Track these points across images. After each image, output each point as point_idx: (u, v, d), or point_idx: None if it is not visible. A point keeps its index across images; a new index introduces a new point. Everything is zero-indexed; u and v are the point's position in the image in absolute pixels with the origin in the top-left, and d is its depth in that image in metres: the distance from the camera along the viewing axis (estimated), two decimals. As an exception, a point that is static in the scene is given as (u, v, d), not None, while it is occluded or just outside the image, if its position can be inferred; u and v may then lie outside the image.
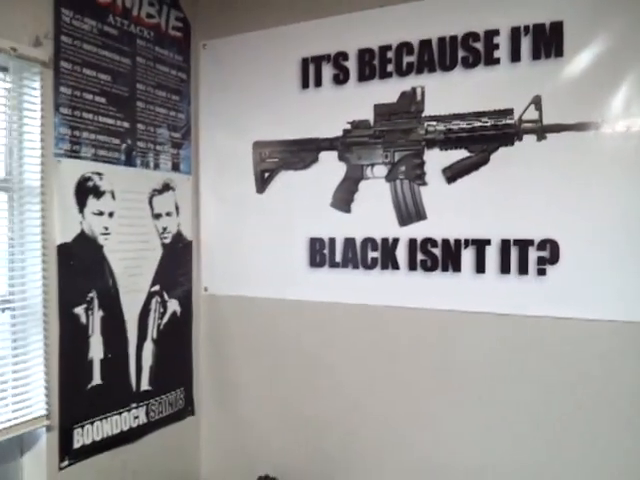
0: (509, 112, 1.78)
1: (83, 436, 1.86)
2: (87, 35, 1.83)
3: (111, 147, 1.93)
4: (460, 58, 1.85)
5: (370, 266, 2.01)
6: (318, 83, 2.07)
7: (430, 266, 1.92)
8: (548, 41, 1.74)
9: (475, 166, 1.84)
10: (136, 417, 2.07)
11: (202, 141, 2.32)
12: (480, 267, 1.85)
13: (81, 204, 1.84)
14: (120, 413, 2.00)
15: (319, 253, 2.09)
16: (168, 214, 2.19)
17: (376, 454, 2.05)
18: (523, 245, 1.79)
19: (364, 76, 1.99)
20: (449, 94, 1.87)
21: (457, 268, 1.88)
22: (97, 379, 1.91)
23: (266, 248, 2.20)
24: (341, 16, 2.01)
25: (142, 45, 2.04)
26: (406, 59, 1.92)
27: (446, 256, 1.89)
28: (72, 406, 1.82)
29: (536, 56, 1.76)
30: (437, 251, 1.90)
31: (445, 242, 1.89)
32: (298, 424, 2.18)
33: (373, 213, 2.00)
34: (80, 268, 1.83)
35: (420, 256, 1.93)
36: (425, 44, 1.89)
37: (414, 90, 1.92)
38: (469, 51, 1.84)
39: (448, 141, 1.87)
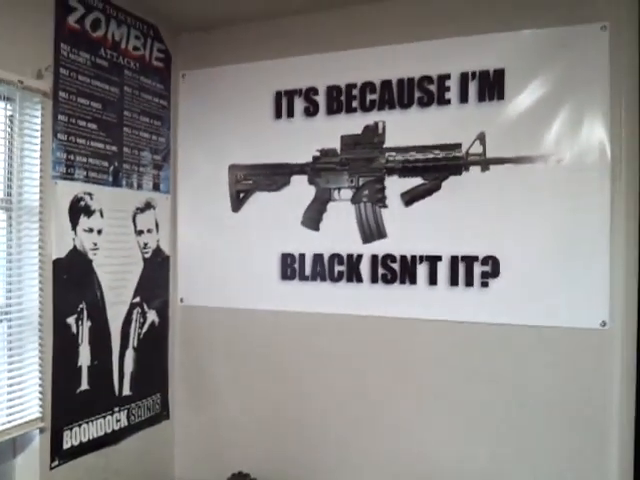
0: (458, 146, 2.04)
1: (72, 438, 1.99)
2: (82, 67, 1.99)
3: (100, 169, 2.09)
4: (416, 98, 2.10)
5: (337, 279, 2.22)
6: (290, 114, 2.28)
7: (390, 279, 2.15)
8: (492, 85, 2.00)
9: (429, 192, 2.09)
10: (118, 420, 2.21)
11: (180, 163, 2.49)
12: (433, 280, 2.08)
13: (74, 222, 1.98)
14: (104, 416, 2.14)
15: (290, 267, 2.29)
16: (149, 231, 2.35)
17: (342, 453, 2.23)
18: (469, 261, 2.03)
19: (332, 110, 2.22)
20: (407, 129, 2.11)
21: (413, 281, 2.11)
22: (85, 384, 2.04)
23: (240, 262, 2.37)
24: (312, 55, 2.23)
25: (129, 75, 2.21)
26: (369, 96, 2.16)
27: (404, 270, 2.12)
28: (63, 410, 1.95)
29: (481, 98, 2.02)
30: (396, 266, 2.14)
31: (403, 258, 2.12)
32: (269, 426, 2.34)
33: (339, 231, 2.21)
34: (72, 281, 1.98)
35: (381, 270, 2.15)
36: (386, 84, 2.14)
37: (376, 124, 2.15)
38: (424, 92, 2.09)
39: (405, 170, 2.11)
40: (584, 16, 1.90)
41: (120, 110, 2.17)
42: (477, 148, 2.02)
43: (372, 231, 2.17)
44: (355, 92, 2.19)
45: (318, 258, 2.25)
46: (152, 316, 2.39)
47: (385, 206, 2.15)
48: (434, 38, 2.07)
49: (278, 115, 2.30)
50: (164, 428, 2.47)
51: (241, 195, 2.37)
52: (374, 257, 2.17)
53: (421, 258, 2.11)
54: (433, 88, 2.08)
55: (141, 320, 2.32)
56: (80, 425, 2.03)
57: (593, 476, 1.90)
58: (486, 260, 2.02)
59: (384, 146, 2.15)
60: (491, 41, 2.01)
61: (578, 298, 1.91)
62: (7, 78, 1.70)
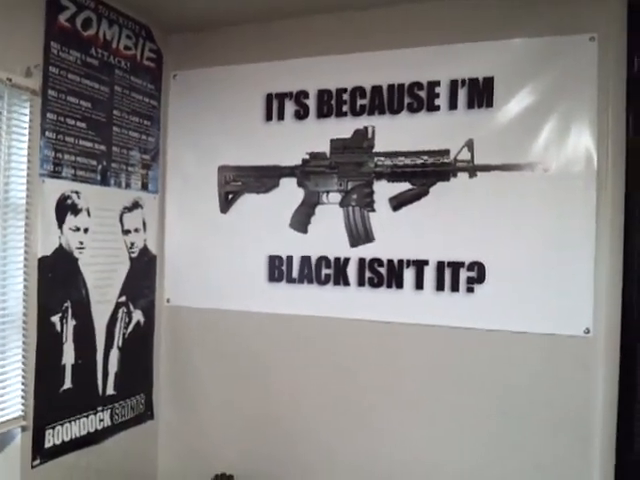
0: (446, 152, 2.05)
1: (54, 437, 1.98)
2: (72, 66, 1.98)
3: (88, 168, 2.08)
4: (406, 104, 2.11)
5: (324, 282, 2.23)
6: (281, 117, 2.29)
7: (377, 283, 2.16)
8: (481, 93, 2.02)
9: (417, 197, 2.10)
10: (101, 420, 2.20)
11: (170, 163, 2.48)
12: (419, 284, 2.09)
13: (60, 220, 1.98)
14: (87, 416, 2.13)
15: (277, 269, 2.30)
16: (136, 230, 2.34)
17: (326, 455, 2.23)
18: (455, 266, 2.05)
19: (322, 113, 2.23)
20: (396, 134, 2.12)
21: (400, 285, 2.12)
22: (68, 383, 2.03)
23: (228, 263, 2.37)
24: (304, 59, 2.23)
25: (119, 75, 2.20)
26: (359, 101, 2.17)
27: (390, 274, 2.14)
28: (45, 408, 1.94)
29: (470, 105, 2.03)
30: (383, 270, 2.15)
31: (390, 262, 2.14)
32: (253, 428, 2.34)
33: (327, 234, 2.21)
34: (57, 280, 1.97)
35: (368, 274, 2.17)
36: (376, 89, 2.15)
37: (366, 129, 2.16)
38: (414, 98, 2.11)
39: (394, 174, 2.13)
40: (573, 27, 1.93)
41: (110, 109, 2.16)
42: (465, 155, 2.03)
43: (360, 235, 2.18)
44: (345, 96, 2.20)
45: (306, 261, 2.26)
46: (138, 316, 2.38)
47: (373, 210, 2.16)
48: (425, 45, 2.08)
49: (268, 117, 2.31)
50: (148, 428, 2.47)
51: (230, 196, 2.38)
52: (361, 261, 2.18)
53: (408, 262, 2.12)
54: (423, 94, 2.10)
55: (126, 320, 2.32)
56: (63, 424, 2.02)
57: (575, 482, 1.92)
58: (472, 266, 2.03)
59: (373, 151, 2.16)
60: (481, 49, 2.02)
61: (562, 305, 1.93)
62: (-5, 75, 1.69)
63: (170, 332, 2.52)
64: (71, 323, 2.03)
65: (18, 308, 1.85)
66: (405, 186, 2.12)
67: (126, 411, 2.33)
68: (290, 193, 2.27)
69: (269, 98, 2.31)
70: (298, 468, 2.28)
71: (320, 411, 2.25)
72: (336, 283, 2.21)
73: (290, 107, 2.28)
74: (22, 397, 1.86)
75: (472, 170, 2.03)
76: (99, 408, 2.19)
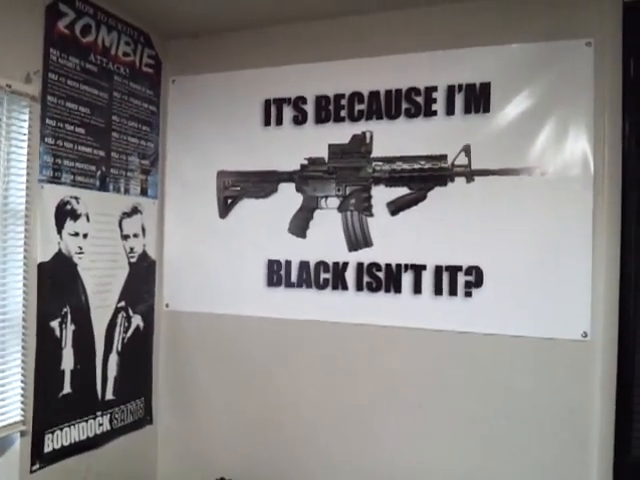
0: (443, 157, 2.06)
1: (53, 441, 1.99)
2: (71, 72, 1.99)
3: (88, 173, 2.09)
4: (404, 109, 2.12)
5: (322, 286, 2.23)
6: (279, 122, 2.30)
7: (375, 287, 2.16)
8: (478, 98, 2.02)
9: (414, 202, 2.11)
10: (101, 424, 2.20)
11: (168, 168, 2.49)
12: (417, 289, 2.10)
13: (59, 226, 1.98)
14: (87, 420, 2.13)
15: (276, 274, 2.31)
16: (135, 235, 2.35)
17: (326, 459, 2.24)
18: (453, 270, 2.06)
19: (320, 119, 2.24)
20: (394, 139, 2.13)
21: (398, 289, 2.13)
22: (67, 388, 2.03)
23: (226, 268, 2.38)
24: (302, 65, 2.25)
25: (118, 81, 2.22)
26: (357, 107, 2.18)
27: (389, 279, 2.14)
28: (44, 413, 1.94)
29: (467, 111, 2.04)
30: (381, 274, 2.15)
31: (388, 266, 2.14)
32: (253, 432, 2.34)
33: (326, 239, 2.22)
34: (57, 285, 1.97)
35: (366, 278, 2.17)
36: (374, 95, 2.16)
37: (364, 134, 2.17)
38: (411, 103, 2.12)
39: (392, 179, 2.14)
40: (569, 32, 1.94)
41: (109, 115, 2.18)
42: (462, 160, 2.04)
43: (358, 239, 2.19)
44: (343, 102, 2.21)
45: (304, 265, 2.26)
46: (137, 321, 2.39)
47: (371, 215, 2.17)
48: (422, 51, 2.09)
49: (267, 123, 2.32)
50: (147, 433, 2.47)
51: (229, 201, 2.39)
52: (360, 265, 2.18)
53: (406, 267, 2.13)
54: (420, 100, 2.11)
55: (126, 324, 2.32)
56: (62, 429, 2.02)
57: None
58: (470, 270, 2.04)
59: (371, 156, 2.17)
60: (478, 55, 2.03)
61: (560, 309, 1.93)
62: (-5, 82, 1.70)
63: (169, 337, 2.52)
64: (70, 328, 2.04)
65: (18, 313, 1.85)
66: (403, 191, 2.13)
67: (125, 416, 2.34)
68: (289, 198, 2.28)
69: (267, 104, 2.32)
70: (298, 473, 2.28)
71: (319, 415, 2.25)
72: (334, 288, 2.22)
73: (288, 112, 2.29)
74: (21, 402, 1.87)
75: (469, 175, 2.04)
76: (98, 413, 2.19)
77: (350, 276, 2.20)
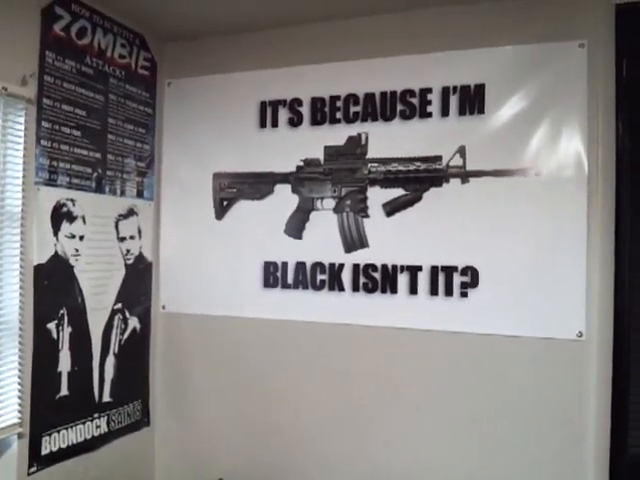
0: (438, 158, 2.07)
1: (50, 443, 1.98)
2: (67, 75, 2.00)
3: (84, 176, 2.09)
4: (399, 110, 2.13)
5: (319, 287, 2.24)
6: (275, 124, 2.31)
7: (371, 288, 2.17)
8: (472, 100, 2.04)
9: (410, 203, 2.12)
10: (98, 427, 2.20)
11: (164, 170, 2.49)
12: (413, 289, 2.11)
13: (56, 228, 1.98)
14: (84, 423, 2.13)
15: (272, 275, 2.31)
16: (131, 237, 2.35)
17: (323, 459, 2.24)
18: (449, 271, 2.06)
19: (316, 121, 2.25)
20: (389, 140, 2.14)
21: (394, 290, 2.14)
22: (64, 390, 2.03)
23: (223, 270, 2.38)
24: (297, 67, 2.25)
25: (114, 83, 2.22)
26: (353, 108, 2.19)
27: (385, 279, 2.15)
28: (42, 415, 1.94)
29: (462, 112, 2.05)
30: (377, 275, 2.16)
31: (384, 267, 2.15)
32: (250, 434, 2.34)
33: (322, 240, 2.23)
34: (53, 287, 1.97)
35: (362, 279, 2.18)
36: (369, 97, 2.17)
37: (359, 135, 2.18)
38: (406, 105, 2.13)
39: (387, 180, 2.15)
40: (563, 34, 1.95)
41: (105, 117, 2.18)
42: (457, 161, 2.05)
43: (354, 240, 2.20)
44: (339, 104, 2.22)
45: (300, 266, 2.27)
46: (133, 322, 2.39)
47: (367, 216, 2.18)
48: (417, 52, 2.10)
49: (262, 125, 2.33)
50: (144, 435, 2.47)
51: (225, 203, 2.39)
52: (356, 266, 2.19)
53: (402, 268, 2.13)
54: (415, 101, 2.12)
55: (122, 326, 2.33)
56: (59, 431, 2.02)
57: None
58: (465, 270, 2.05)
59: (367, 157, 2.18)
60: (472, 56, 2.05)
61: (555, 309, 1.94)
62: (-9, 85, 1.71)
63: (166, 339, 2.52)
64: (67, 330, 2.04)
65: (14, 315, 1.85)
66: (398, 192, 2.13)
67: (122, 418, 2.33)
68: (284, 199, 2.29)
69: (263, 106, 2.32)
70: (295, 474, 2.29)
71: (316, 416, 2.25)
72: (331, 289, 2.22)
73: (284, 114, 2.29)
74: (18, 404, 1.87)
75: (464, 176, 2.05)
76: (95, 415, 2.19)
77: (346, 277, 2.20)
